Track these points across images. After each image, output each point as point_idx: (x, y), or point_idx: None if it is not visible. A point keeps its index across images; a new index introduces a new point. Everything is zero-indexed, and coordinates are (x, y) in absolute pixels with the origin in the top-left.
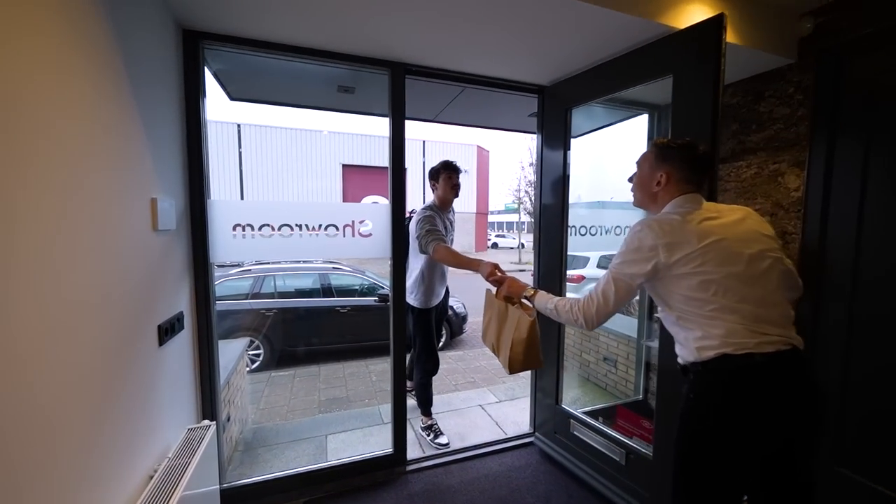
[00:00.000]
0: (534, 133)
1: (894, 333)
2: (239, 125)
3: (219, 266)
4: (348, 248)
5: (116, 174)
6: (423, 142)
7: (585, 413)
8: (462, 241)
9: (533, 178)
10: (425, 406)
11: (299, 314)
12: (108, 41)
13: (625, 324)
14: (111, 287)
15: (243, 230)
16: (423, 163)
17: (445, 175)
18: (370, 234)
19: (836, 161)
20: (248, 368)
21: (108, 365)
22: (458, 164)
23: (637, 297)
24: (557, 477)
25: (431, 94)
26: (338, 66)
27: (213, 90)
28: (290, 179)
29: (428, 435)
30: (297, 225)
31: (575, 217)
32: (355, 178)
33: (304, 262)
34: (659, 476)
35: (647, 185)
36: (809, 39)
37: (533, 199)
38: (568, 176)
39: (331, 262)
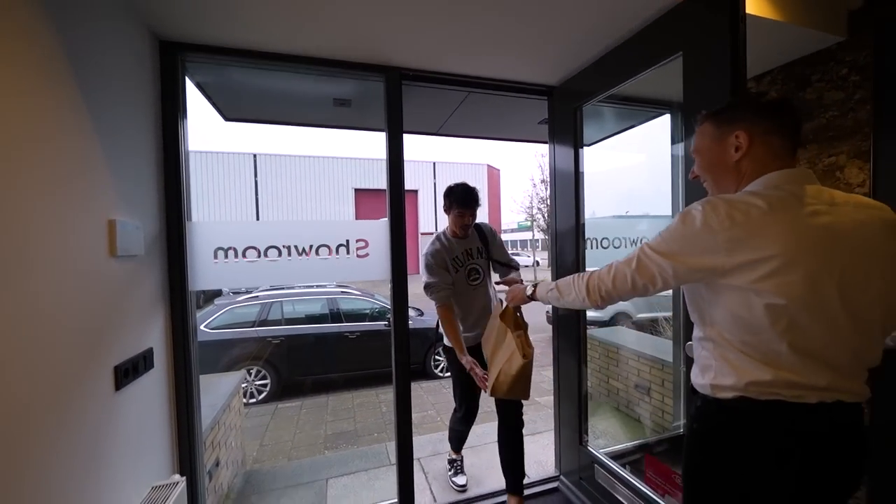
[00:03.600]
0: (545, 143)
1: None
2: (255, 155)
3: (233, 293)
4: (343, 271)
5: (54, 190)
6: (434, 163)
7: (611, 456)
8: None
9: (545, 194)
10: (454, 443)
11: (307, 341)
12: (50, 43)
13: (657, 345)
14: (46, 324)
15: (226, 254)
16: (435, 184)
17: (456, 212)
18: (367, 255)
19: None
20: (253, 400)
21: (35, 422)
22: (475, 194)
23: (669, 312)
24: None
25: (433, 104)
26: (330, 75)
27: (206, 112)
28: (304, 206)
29: (449, 470)
30: (284, 247)
31: (594, 228)
32: (368, 202)
33: (317, 286)
34: None
35: (718, 160)
36: (862, 11)
37: (546, 215)
38: (582, 182)
39: (340, 287)
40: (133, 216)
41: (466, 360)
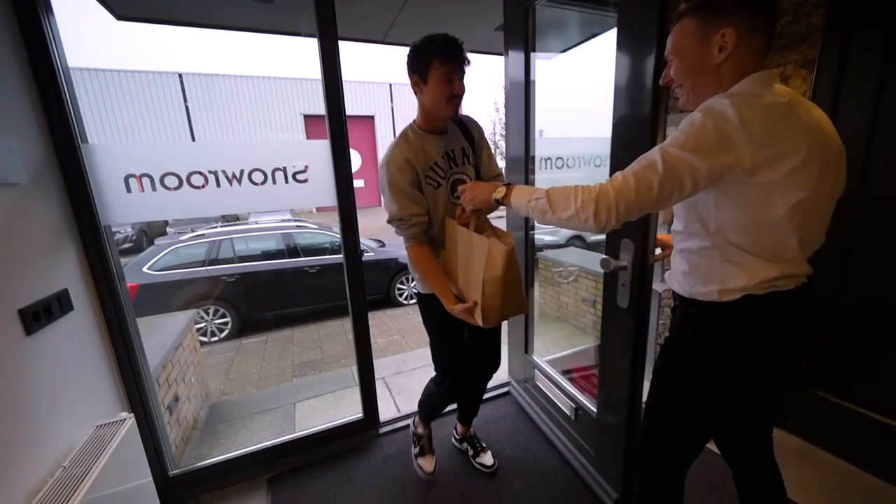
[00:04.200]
0: (502, 55)
1: (892, 262)
2: (181, 74)
3: (178, 232)
4: (281, 198)
5: None
6: (390, 84)
7: (551, 363)
8: None
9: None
10: (425, 411)
11: (264, 278)
12: None
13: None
14: None
15: (140, 183)
16: (392, 109)
17: (441, 71)
18: (307, 180)
19: (851, 61)
20: (215, 338)
21: None
22: (461, 44)
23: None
24: (533, 428)
25: (374, 4)
26: None
27: (95, 10)
28: (246, 135)
29: (413, 448)
30: (210, 172)
31: (550, 147)
32: (320, 130)
33: (270, 223)
34: (601, 434)
35: (700, 61)
36: None
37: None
38: (533, 93)
39: (295, 221)
40: (5, 135)
41: (459, 307)
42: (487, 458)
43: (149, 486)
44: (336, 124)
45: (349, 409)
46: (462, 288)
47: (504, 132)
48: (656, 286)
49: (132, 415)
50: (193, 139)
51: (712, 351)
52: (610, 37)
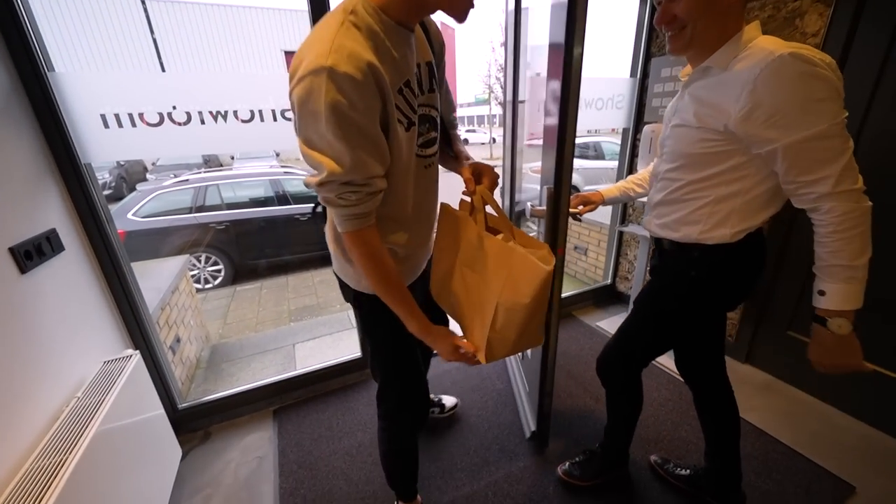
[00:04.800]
0: None
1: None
2: (143, 0)
3: (158, 178)
4: (270, 138)
5: None
6: None
7: None
8: None
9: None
10: (401, 479)
11: (255, 225)
12: None
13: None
14: None
15: (118, 119)
16: None
17: None
18: None
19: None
20: (209, 286)
21: None
22: None
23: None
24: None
25: None
26: None
27: None
28: (220, 70)
29: None
30: (198, 111)
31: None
32: None
33: (255, 168)
34: (532, 373)
35: (717, 1)
36: None
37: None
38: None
39: (283, 167)
40: None
41: (457, 348)
42: (450, 400)
43: (161, 418)
44: None
45: (347, 350)
46: (453, 305)
47: (498, 74)
48: (638, 231)
49: (137, 351)
50: (162, 65)
51: (709, 287)
52: None
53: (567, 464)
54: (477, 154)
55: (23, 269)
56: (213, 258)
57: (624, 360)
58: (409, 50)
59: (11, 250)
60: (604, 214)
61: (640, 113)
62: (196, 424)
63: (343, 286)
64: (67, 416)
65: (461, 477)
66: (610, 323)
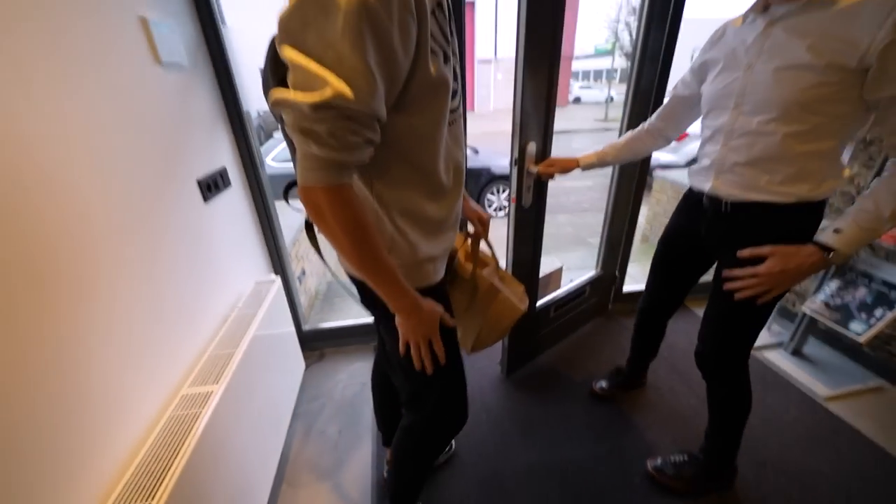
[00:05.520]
0: None
1: None
2: None
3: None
4: None
5: None
6: None
7: None
8: None
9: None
10: (405, 497)
11: None
12: None
13: None
14: (118, 138)
15: None
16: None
17: None
18: None
19: None
20: None
21: (147, 225)
22: None
23: None
24: None
25: None
26: None
27: None
28: None
29: None
30: None
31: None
32: None
33: None
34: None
35: None
36: None
37: (633, 33)
38: None
39: None
40: (164, 14)
41: (426, 307)
42: None
43: (291, 335)
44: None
45: None
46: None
47: (628, 19)
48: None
49: (278, 276)
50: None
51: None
52: None
53: (660, 460)
54: (590, 114)
55: (205, 199)
56: None
57: (731, 348)
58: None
59: (198, 182)
60: None
61: None
62: (315, 345)
63: (362, 287)
64: (232, 321)
65: (532, 444)
66: None
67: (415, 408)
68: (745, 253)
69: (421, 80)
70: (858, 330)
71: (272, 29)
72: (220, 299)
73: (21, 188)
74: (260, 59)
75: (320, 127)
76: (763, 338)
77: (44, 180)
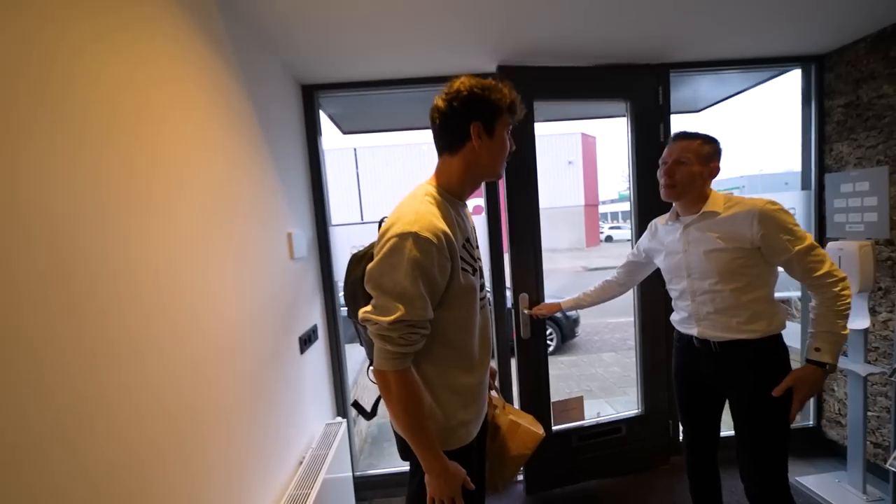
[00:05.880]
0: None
1: None
2: (355, 149)
3: None
4: None
5: (260, 214)
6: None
7: None
8: (570, 236)
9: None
10: None
11: None
12: (248, 118)
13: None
14: (264, 307)
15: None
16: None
17: (508, 118)
18: None
19: None
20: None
21: (264, 372)
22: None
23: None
24: None
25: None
26: (426, 90)
27: (327, 128)
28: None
29: None
30: None
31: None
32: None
33: None
34: None
35: (703, 172)
36: None
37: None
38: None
39: None
40: (299, 227)
41: (452, 471)
42: None
43: (349, 480)
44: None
45: None
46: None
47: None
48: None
49: (344, 420)
50: (361, 202)
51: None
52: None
53: None
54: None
55: (301, 351)
56: None
57: (768, 468)
58: (464, 216)
59: (299, 338)
60: (792, 336)
61: (822, 227)
62: (363, 494)
63: (405, 445)
64: (308, 461)
65: None
66: (819, 481)
67: None
68: (778, 392)
69: (455, 287)
70: None
71: (358, 223)
72: (301, 439)
73: (200, 332)
74: (348, 247)
75: (393, 334)
76: (853, 501)
77: (216, 322)
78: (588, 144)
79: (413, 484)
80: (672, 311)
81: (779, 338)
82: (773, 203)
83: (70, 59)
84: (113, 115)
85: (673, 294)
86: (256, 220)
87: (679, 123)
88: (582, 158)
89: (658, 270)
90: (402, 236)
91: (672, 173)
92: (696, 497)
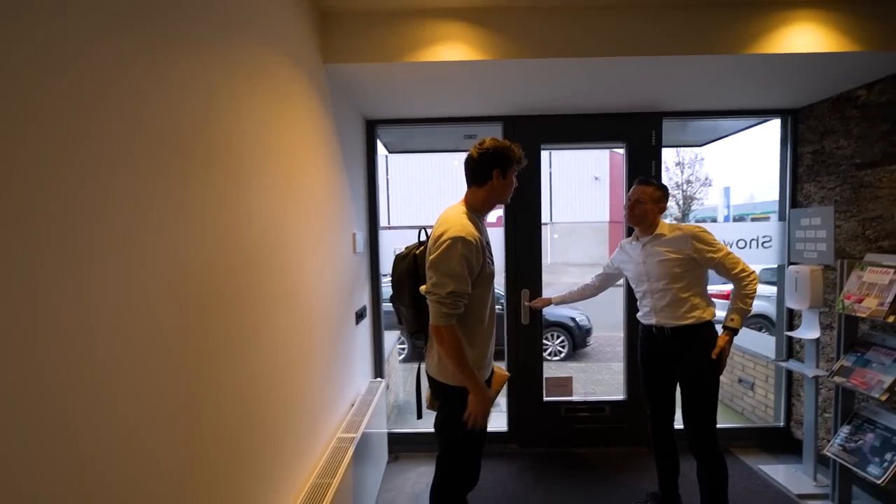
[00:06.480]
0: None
1: None
2: (386, 156)
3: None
4: None
5: (339, 219)
6: (550, 152)
7: None
8: (595, 252)
9: (680, 178)
10: None
11: None
12: (336, 153)
13: (763, 342)
14: (338, 287)
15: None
16: (550, 174)
17: (516, 167)
18: None
19: None
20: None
21: (336, 333)
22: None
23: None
24: None
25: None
26: (463, 126)
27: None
28: (428, 202)
29: None
30: None
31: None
32: None
33: None
34: None
35: (656, 210)
36: None
37: (680, 202)
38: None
39: None
40: (359, 229)
41: (486, 391)
42: None
43: (384, 434)
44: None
45: (495, 423)
46: None
47: (675, 191)
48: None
49: (383, 380)
50: (388, 208)
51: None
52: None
53: None
54: None
55: (356, 323)
56: (402, 338)
57: (703, 423)
58: (484, 226)
59: (356, 313)
60: (766, 346)
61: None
62: (391, 448)
63: (438, 386)
64: (357, 403)
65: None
66: (776, 469)
67: (442, 463)
68: (714, 353)
69: (482, 274)
70: (876, 473)
71: (400, 227)
72: (352, 388)
73: (308, 301)
74: (393, 247)
75: (447, 300)
76: (806, 487)
77: (317, 293)
78: (616, 162)
79: (444, 410)
80: (638, 310)
81: (711, 324)
82: (702, 228)
83: (262, 124)
84: (281, 157)
85: (637, 294)
86: (337, 224)
87: (684, 154)
88: (609, 175)
89: (626, 280)
90: (454, 238)
91: (633, 209)
92: (659, 461)
